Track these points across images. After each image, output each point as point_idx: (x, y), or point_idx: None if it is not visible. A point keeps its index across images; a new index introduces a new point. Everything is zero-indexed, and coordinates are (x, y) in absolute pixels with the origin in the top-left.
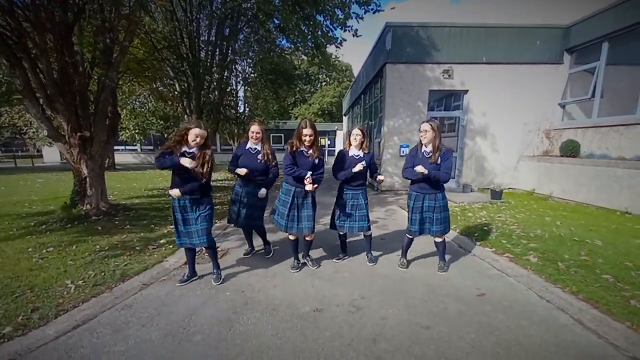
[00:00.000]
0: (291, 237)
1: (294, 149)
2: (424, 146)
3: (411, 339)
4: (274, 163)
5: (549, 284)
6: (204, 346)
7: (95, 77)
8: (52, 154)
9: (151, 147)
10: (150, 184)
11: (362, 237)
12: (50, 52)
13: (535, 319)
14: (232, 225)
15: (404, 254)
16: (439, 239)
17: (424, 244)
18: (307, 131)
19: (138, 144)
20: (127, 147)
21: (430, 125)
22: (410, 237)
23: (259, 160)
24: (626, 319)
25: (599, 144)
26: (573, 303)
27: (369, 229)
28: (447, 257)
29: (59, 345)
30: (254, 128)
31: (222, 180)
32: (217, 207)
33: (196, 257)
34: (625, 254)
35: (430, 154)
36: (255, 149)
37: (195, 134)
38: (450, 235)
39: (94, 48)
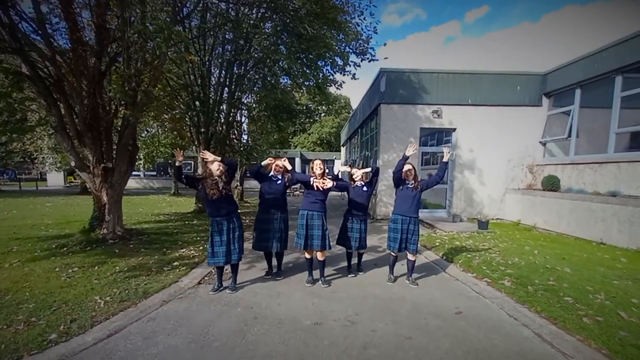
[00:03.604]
0: (307, 255)
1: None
2: (406, 181)
3: (395, 347)
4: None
5: (518, 305)
6: (222, 351)
7: (120, 116)
8: (55, 178)
9: (154, 173)
10: (156, 209)
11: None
12: (84, 94)
13: (502, 333)
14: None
15: (391, 271)
16: (412, 257)
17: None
18: (317, 162)
19: (142, 170)
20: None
21: (412, 166)
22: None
23: (278, 184)
24: (577, 333)
25: (576, 180)
26: (536, 320)
27: (364, 247)
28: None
29: (98, 349)
30: (280, 162)
31: None
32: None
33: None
34: (588, 280)
35: (413, 185)
36: (277, 177)
37: (215, 168)
38: (436, 261)
39: (123, 92)
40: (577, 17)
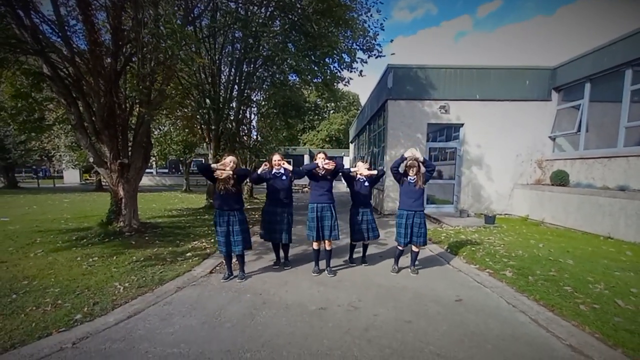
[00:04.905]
0: (315, 247)
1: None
2: (409, 176)
3: (395, 329)
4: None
5: (517, 294)
6: (233, 331)
7: (135, 113)
8: (71, 175)
9: (166, 170)
10: (169, 205)
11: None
12: (101, 93)
13: (499, 319)
14: (264, 240)
15: (396, 262)
16: (416, 249)
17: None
18: (321, 154)
19: (155, 168)
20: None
21: (418, 162)
22: (401, 248)
23: (283, 179)
24: (573, 319)
25: (585, 174)
26: (533, 307)
27: (376, 237)
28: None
29: (120, 328)
30: (276, 157)
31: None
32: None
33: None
34: (589, 271)
35: (415, 180)
36: (280, 172)
37: (229, 160)
38: (441, 254)
39: (138, 90)
40: (594, 9)
